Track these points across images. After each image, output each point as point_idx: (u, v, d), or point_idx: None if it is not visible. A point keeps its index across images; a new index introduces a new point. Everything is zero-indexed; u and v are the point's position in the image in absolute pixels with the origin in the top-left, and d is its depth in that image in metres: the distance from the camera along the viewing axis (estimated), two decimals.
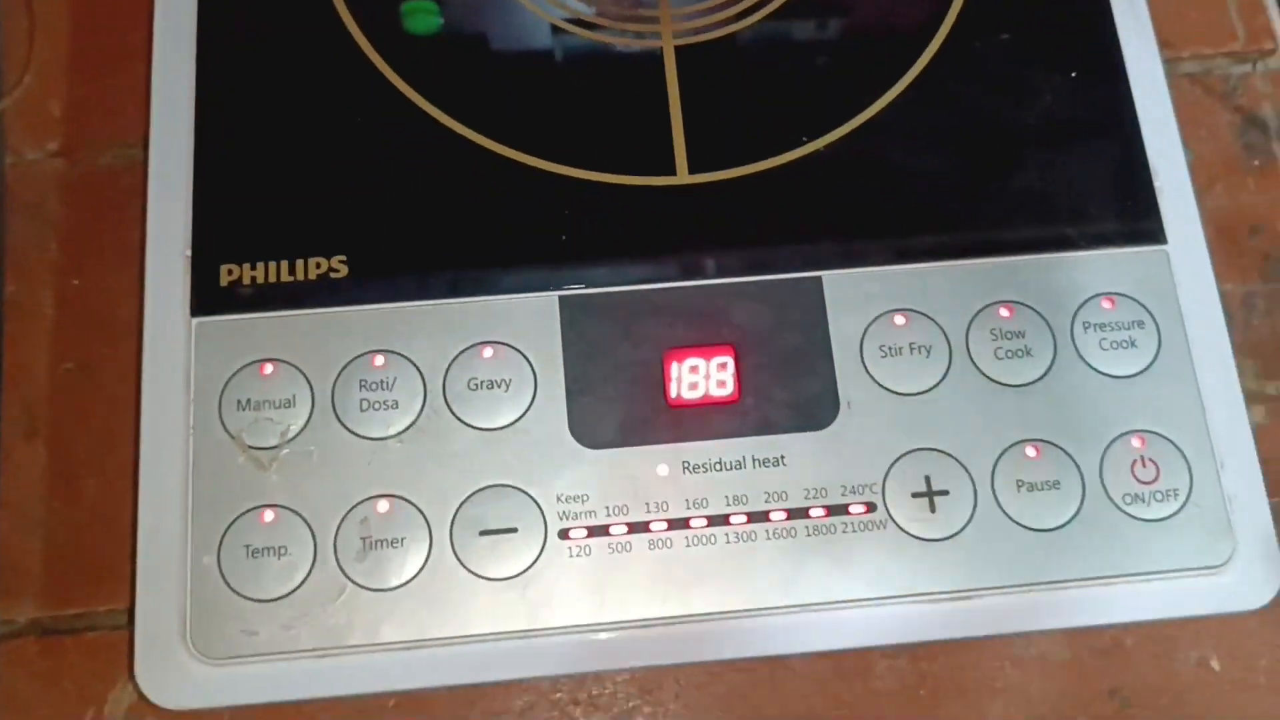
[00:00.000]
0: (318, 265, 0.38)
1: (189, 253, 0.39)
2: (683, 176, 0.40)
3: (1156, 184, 0.40)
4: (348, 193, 0.39)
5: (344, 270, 0.38)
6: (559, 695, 0.38)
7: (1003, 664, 0.39)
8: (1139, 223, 0.40)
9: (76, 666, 0.38)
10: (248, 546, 0.36)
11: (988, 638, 0.37)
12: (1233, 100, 0.47)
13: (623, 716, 0.38)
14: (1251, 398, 0.42)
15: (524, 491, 0.36)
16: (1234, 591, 0.37)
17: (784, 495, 0.37)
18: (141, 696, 0.36)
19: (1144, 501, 0.37)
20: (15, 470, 0.39)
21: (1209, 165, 0.46)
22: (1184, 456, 0.38)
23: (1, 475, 0.39)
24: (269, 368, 0.37)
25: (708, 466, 0.37)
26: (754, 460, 0.37)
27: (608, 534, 0.36)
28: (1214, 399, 0.39)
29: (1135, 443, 0.38)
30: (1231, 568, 0.37)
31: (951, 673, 0.39)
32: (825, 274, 0.39)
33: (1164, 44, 0.47)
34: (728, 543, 0.36)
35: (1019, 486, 0.37)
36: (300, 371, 0.37)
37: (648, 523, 0.36)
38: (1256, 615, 0.39)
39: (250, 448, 0.37)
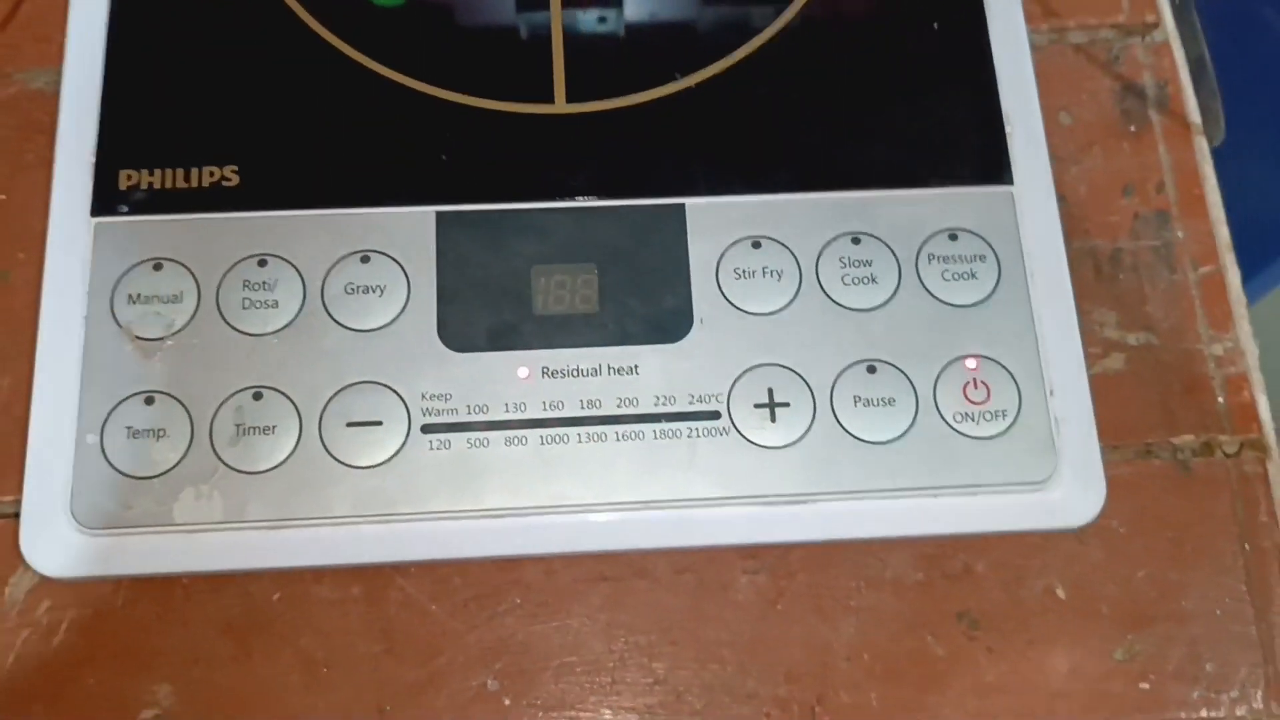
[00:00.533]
0: (211, 174, 0.41)
1: (93, 159, 0.41)
2: (560, 105, 0.42)
3: (1008, 129, 0.43)
4: (242, 108, 0.42)
5: (235, 180, 0.41)
6: (411, 578, 0.40)
7: (858, 583, 0.41)
8: (987, 164, 0.42)
9: None
10: (129, 428, 0.38)
11: (827, 541, 0.40)
12: (1114, 69, 0.49)
13: (479, 600, 0.40)
14: (1112, 345, 0.44)
15: (391, 388, 0.39)
16: (1058, 508, 0.39)
17: (635, 401, 0.39)
18: (26, 565, 0.38)
19: (973, 420, 0.39)
20: None
21: (1088, 128, 0.48)
22: (1014, 380, 0.40)
23: None
24: (160, 266, 0.40)
25: (565, 373, 0.39)
26: (609, 368, 0.39)
27: (468, 430, 0.39)
28: (1049, 330, 0.41)
29: (969, 365, 0.40)
30: (1054, 485, 0.39)
31: (809, 589, 0.41)
32: (688, 201, 0.41)
33: (1051, 14, 0.49)
34: (580, 442, 0.39)
35: (855, 401, 0.39)
36: (189, 270, 0.40)
37: (506, 421, 0.39)
38: (1102, 547, 0.41)
39: (138, 338, 0.39)
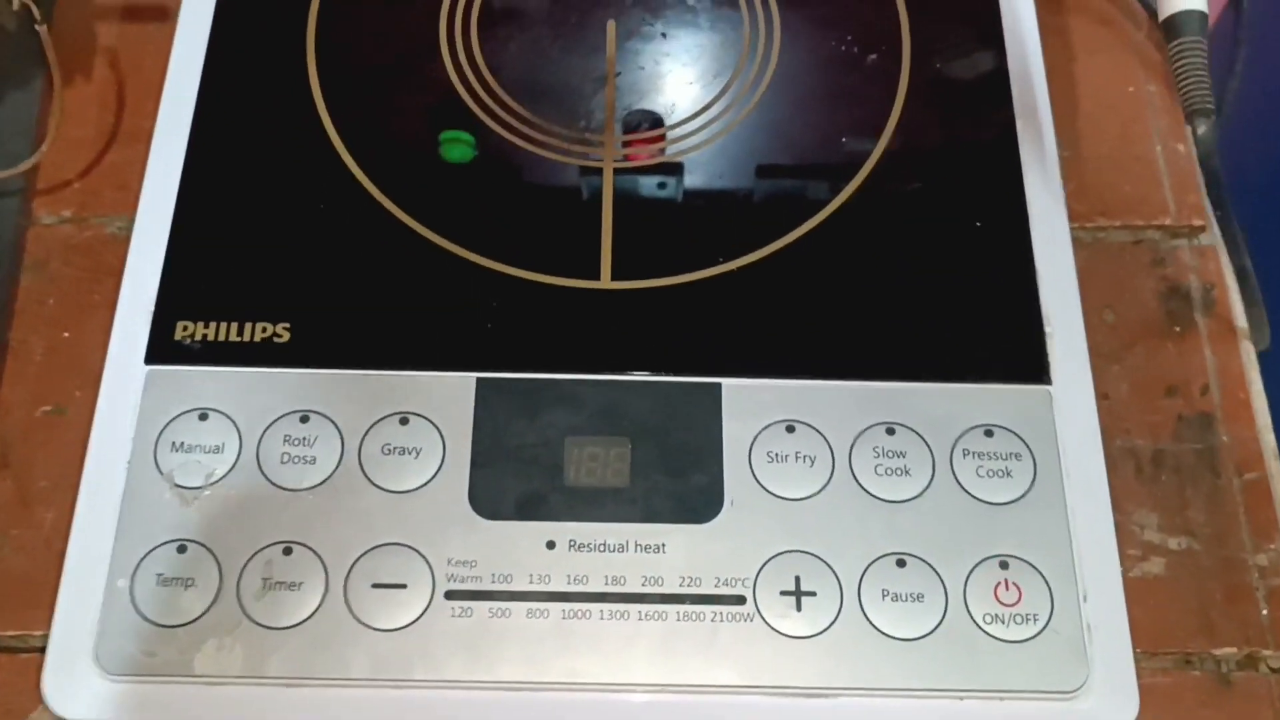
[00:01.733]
0: (263, 329, 0.42)
1: (152, 309, 0.43)
2: (605, 282, 0.43)
3: (1047, 329, 0.43)
4: (299, 267, 0.44)
5: (286, 336, 0.42)
6: None
7: None
8: (1026, 363, 0.42)
9: (4, 684, 0.40)
10: (160, 575, 0.39)
11: None
12: (1160, 270, 0.50)
13: None
14: (1152, 549, 0.43)
15: (418, 551, 0.39)
16: (1089, 719, 0.38)
17: (660, 580, 0.39)
18: (46, 707, 0.38)
19: (1003, 622, 0.39)
20: None
21: (1132, 327, 0.48)
22: (1047, 583, 0.39)
23: None
24: (206, 416, 0.41)
25: (592, 546, 0.39)
26: (636, 545, 0.39)
27: (491, 598, 0.39)
28: (1084, 533, 0.40)
29: (1001, 566, 0.39)
30: (1086, 694, 0.38)
31: None
32: (725, 381, 0.42)
33: (1099, 212, 0.50)
34: (601, 619, 0.39)
35: (884, 595, 0.39)
36: (233, 422, 0.41)
37: (529, 592, 0.39)
38: None
39: (177, 485, 0.40)
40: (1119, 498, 0.43)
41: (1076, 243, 0.48)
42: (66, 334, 0.46)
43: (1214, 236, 0.50)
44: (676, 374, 0.42)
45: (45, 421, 0.44)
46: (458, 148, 0.46)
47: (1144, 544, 0.44)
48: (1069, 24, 0.54)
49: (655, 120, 0.47)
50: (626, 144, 0.46)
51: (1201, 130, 0.43)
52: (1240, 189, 0.49)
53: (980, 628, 0.39)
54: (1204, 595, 0.43)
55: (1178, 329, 0.48)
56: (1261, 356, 0.48)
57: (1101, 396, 0.45)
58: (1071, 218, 0.48)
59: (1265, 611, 0.43)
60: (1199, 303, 0.49)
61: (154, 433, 0.41)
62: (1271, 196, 0.63)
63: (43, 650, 0.39)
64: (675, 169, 0.46)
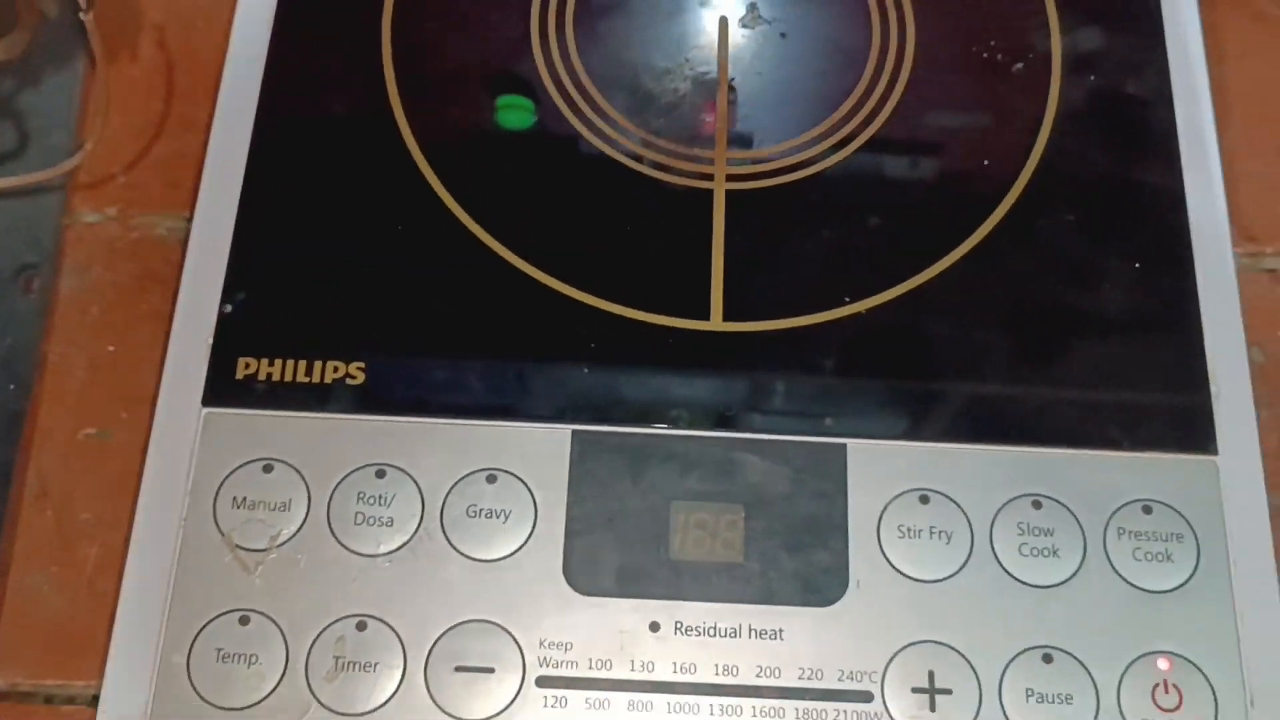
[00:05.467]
0: (335, 369, 0.38)
1: (211, 341, 0.39)
2: (716, 323, 0.39)
3: (1213, 389, 0.39)
4: (376, 300, 0.39)
5: (360, 378, 0.38)
6: None
7: None
8: (1189, 430, 0.38)
9: None
10: (219, 650, 0.35)
11: None
12: None
13: None
14: None
15: (507, 631, 0.35)
16: None
17: (777, 671, 0.35)
18: None
19: None
20: (23, 531, 0.39)
21: None
22: (1211, 686, 0.35)
23: (5, 535, 0.39)
24: (271, 468, 0.37)
25: (702, 630, 0.35)
26: (750, 630, 0.35)
27: (588, 688, 0.35)
28: (1251, 628, 0.36)
29: (1160, 665, 0.35)
30: None
31: None
32: (851, 442, 0.37)
33: (1246, 238, 0.45)
34: (711, 714, 0.35)
35: (1028, 696, 0.35)
36: (301, 475, 0.37)
37: (631, 681, 0.35)
38: None
39: (238, 547, 0.36)
40: None
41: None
42: (111, 348, 0.42)
43: None
44: (797, 433, 0.38)
45: (87, 446, 0.40)
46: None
47: None
48: (1225, 22, 0.48)
49: (774, 135, 0.42)
50: (740, 162, 0.41)
51: None
52: None
53: None
54: None
55: None
56: None
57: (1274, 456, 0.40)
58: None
59: None
60: None
61: (213, 486, 0.37)
62: None
63: (81, 702, 0.37)
64: (797, 193, 0.41)
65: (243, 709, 0.35)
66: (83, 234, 0.43)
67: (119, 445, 0.40)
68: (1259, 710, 0.35)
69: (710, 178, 0.41)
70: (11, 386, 0.40)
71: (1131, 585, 0.36)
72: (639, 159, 0.42)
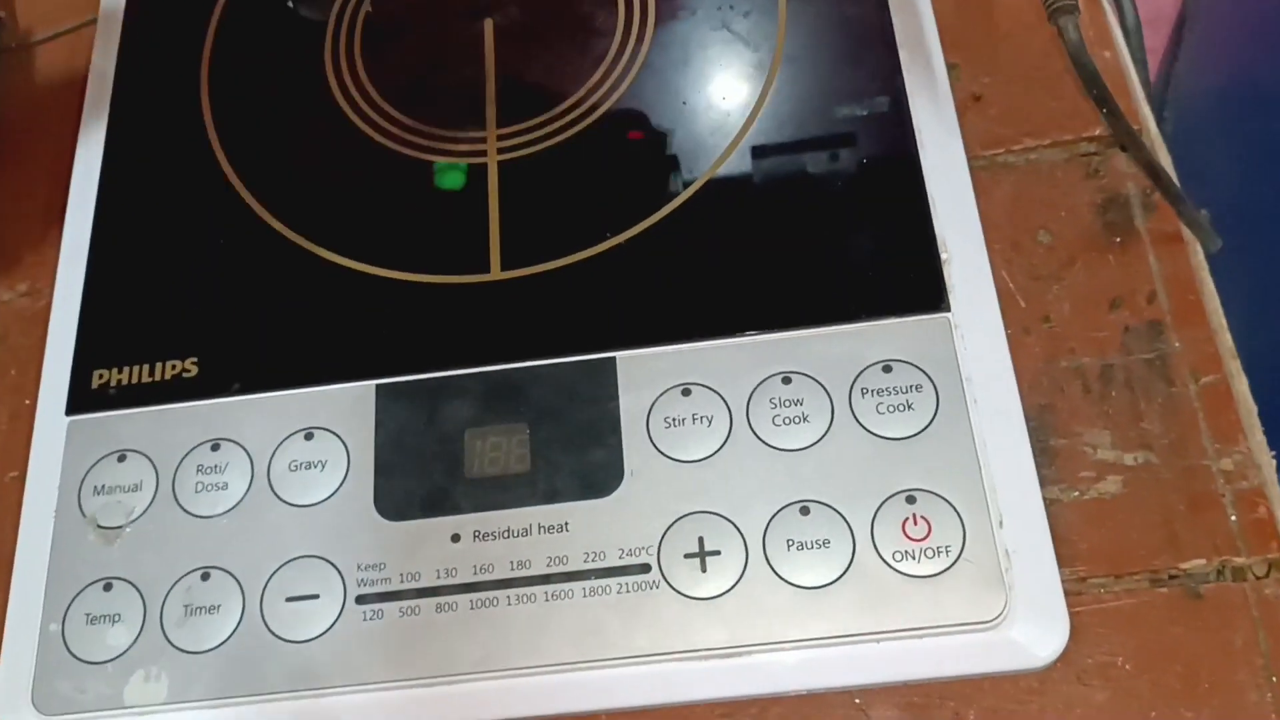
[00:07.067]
0: (173, 366, 0.43)
1: (71, 360, 0.44)
2: (495, 273, 0.43)
3: (943, 255, 0.42)
4: (203, 301, 0.45)
5: (194, 370, 0.43)
6: None
7: None
8: (921, 293, 0.41)
9: None
10: (88, 614, 0.40)
11: (757, 696, 0.38)
12: (1095, 181, 0.48)
13: None
14: (1107, 468, 0.42)
15: (328, 561, 0.40)
16: (1010, 648, 0.37)
17: (564, 560, 0.39)
18: None
19: (914, 558, 0.38)
20: None
21: (1069, 245, 0.46)
22: (957, 513, 0.38)
23: None
24: (124, 457, 0.42)
25: (496, 535, 0.39)
26: (539, 527, 0.39)
27: (399, 598, 0.39)
28: (995, 458, 0.39)
29: (908, 501, 0.38)
30: (1007, 623, 0.37)
31: None
32: (619, 354, 0.41)
33: (1027, 133, 0.48)
34: (509, 605, 0.39)
35: (789, 545, 0.38)
36: (149, 459, 0.42)
37: (437, 588, 0.39)
38: (1106, 687, 0.38)
39: (100, 526, 0.41)
40: (1067, 420, 0.42)
41: (1007, 168, 0.47)
42: (28, 402, 0.48)
43: (1150, 137, 0.48)
44: (571, 354, 0.42)
45: (10, 489, 0.46)
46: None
47: (1098, 464, 0.42)
48: None
49: (535, 108, 0.47)
50: (506, 135, 0.46)
51: (1069, 28, 0.41)
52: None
53: (890, 566, 0.38)
54: (1167, 509, 0.41)
55: (1118, 239, 0.46)
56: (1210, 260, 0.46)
57: (1042, 319, 0.44)
58: (998, 143, 0.47)
59: (1234, 518, 0.41)
60: (1139, 209, 0.47)
61: (77, 479, 0.42)
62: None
63: None
64: (557, 153, 0.46)
65: (110, 661, 0.39)
66: (3, 311, 0.50)
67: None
68: (1007, 530, 0.38)
69: (484, 154, 0.46)
70: None
71: (877, 436, 0.39)
72: (422, 149, 0.47)
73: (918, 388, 0.40)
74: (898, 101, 0.44)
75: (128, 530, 0.41)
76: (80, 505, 0.42)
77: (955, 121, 0.45)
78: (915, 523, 0.38)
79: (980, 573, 0.37)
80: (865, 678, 0.37)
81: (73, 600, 0.40)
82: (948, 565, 0.37)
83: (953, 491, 0.38)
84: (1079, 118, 0.48)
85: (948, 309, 0.41)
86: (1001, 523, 0.38)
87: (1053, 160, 0.48)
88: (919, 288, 0.41)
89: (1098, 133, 0.48)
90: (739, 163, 0.44)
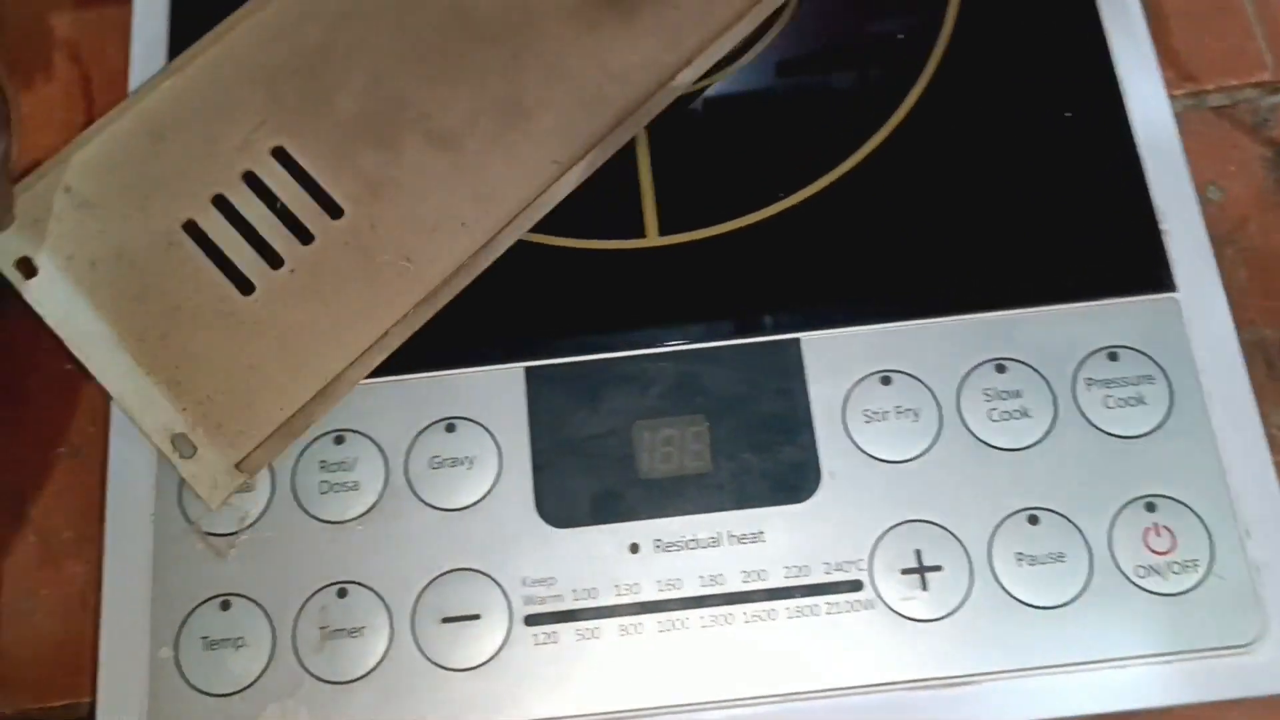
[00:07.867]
0: None
1: None
2: (653, 238, 0.38)
3: (1163, 226, 0.38)
4: None
5: None
6: None
7: None
8: (1144, 269, 0.37)
9: None
10: (205, 638, 0.35)
11: None
12: (1263, 133, 0.44)
13: None
14: None
15: (487, 575, 0.35)
16: (1265, 672, 0.34)
17: (762, 574, 0.35)
18: None
19: (1159, 574, 0.34)
20: (3, 554, 0.39)
21: (1240, 203, 0.42)
22: (1203, 523, 0.35)
23: None
24: None
25: (681, 544, 0.35)
26: (730, 536, 0.35)
27: (575, 619, 0.34)
28: (1236, 459, 0.35)
29: (1147, 509, 0.35)
30: (1261, 646, 0.34)
31: None
32: (804, 336, 0.37)
33: (1187, 78, 0.44)
34: (703, 627, 0.34)
35: (1019, 560, 0.34)
36: None
37: (618, 606, 0.34)
38: None
39: (208, 534, 0.36)
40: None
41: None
42: (69, 366, 0.42)
43: None
44: (747, 335, 0.37)
45: (60, 465, 0.40)
46: None
47: None
48: None
49: None
50: None
51: None
52: None
53: (1133, 583, 0.34)
54: None
55: None
56: None
57: None
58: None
59: None
60: None
61: (176, 478, 0.36)
62: None
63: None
64: (715, 95, 0.40)
65: (237, 693, 0.34)
66: None
67: (90, 461, 0.40)
68: (1256, 539, 0.35)
69: None
70: None
71: (1107, 434, 0.35)
72: None
73: (1149, 379, 0.36)
74: (1099, 45, 0.39)
75: (243, 537, 0.36)
76: (183, 509, 0.36)
77: (1157, 65, 0.40)
78: (1158, 533, 0.34)
79: (1231, 590, 0.34)
80: (1109, 705, 0.34)
81: (185, 620, 0.35)
82: (1197, 582, 0.34)
83: (1196, 498, 0.35)
84: (1242, 62, 0.44)
85: (1173, 288, 0.37)
86: (1249, 532, 0.34)
87: (1216, 107, 0.44)
88: (1142, 263, 0.37)
89: (1265, 78, 0.44)
90: (925, 114, 0.39)
